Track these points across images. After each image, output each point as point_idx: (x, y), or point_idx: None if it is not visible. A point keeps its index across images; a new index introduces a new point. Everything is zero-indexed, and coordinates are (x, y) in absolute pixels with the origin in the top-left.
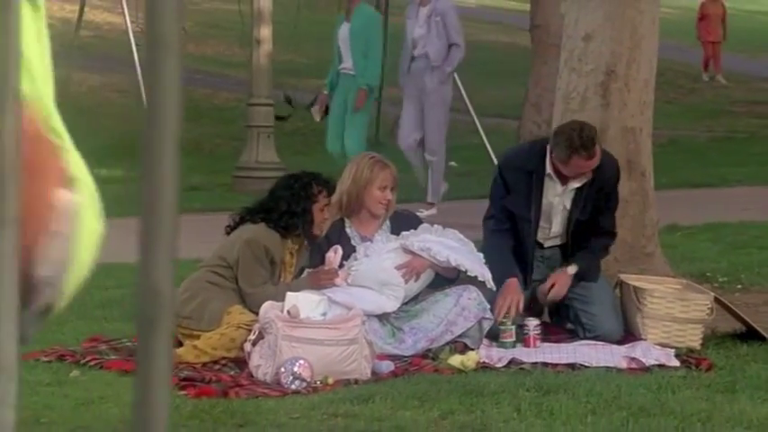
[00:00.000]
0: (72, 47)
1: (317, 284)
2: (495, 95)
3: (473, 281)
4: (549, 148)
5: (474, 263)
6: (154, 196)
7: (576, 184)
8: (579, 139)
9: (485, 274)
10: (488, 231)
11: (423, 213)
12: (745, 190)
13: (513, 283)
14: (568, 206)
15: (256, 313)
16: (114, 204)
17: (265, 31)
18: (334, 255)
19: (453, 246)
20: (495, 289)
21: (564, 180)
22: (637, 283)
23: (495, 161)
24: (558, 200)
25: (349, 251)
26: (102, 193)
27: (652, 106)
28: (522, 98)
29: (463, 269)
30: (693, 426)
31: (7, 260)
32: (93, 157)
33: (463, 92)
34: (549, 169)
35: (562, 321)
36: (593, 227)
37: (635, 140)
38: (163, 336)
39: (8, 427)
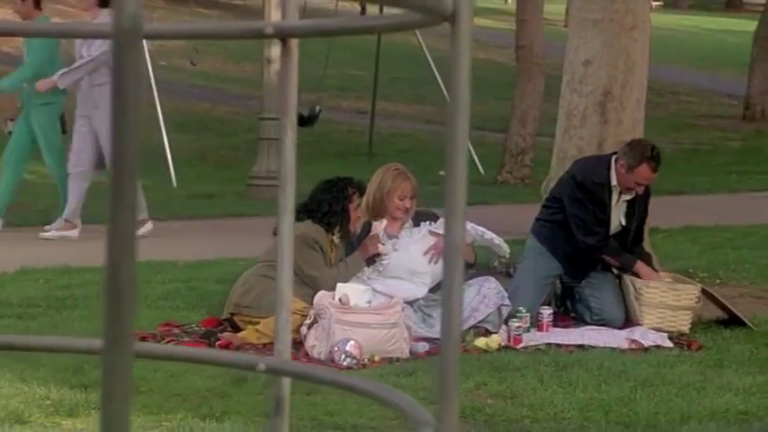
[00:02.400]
0: None
1: (366, 253)
2: (476, 109)
3: (489, 271)
4: (613, 160)
5: (489, 231)
6: (453, 191)
7: (627, 197)
8: (652, 151)
9: (499, 238)
10: (602, 244)
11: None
12: (713, 197)
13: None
14: (621, 217)
15: (306, 302)
16: (160, 208)
17: (276, 51)
18: (380, 224)
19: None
20: (507, 249)
21: (618, 193)
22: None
23: (482, 171)
24: (614, 210)
25: None
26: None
27: (643, 123)
28: (502, 112)
29: (480, 232)
30: (690, 393)
31: (287, 240)
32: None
33: None
34: (614, 181)
35: (569, 310)
36: (630, 233)
37: None
38: (457, 279)
39: (287, 351)
